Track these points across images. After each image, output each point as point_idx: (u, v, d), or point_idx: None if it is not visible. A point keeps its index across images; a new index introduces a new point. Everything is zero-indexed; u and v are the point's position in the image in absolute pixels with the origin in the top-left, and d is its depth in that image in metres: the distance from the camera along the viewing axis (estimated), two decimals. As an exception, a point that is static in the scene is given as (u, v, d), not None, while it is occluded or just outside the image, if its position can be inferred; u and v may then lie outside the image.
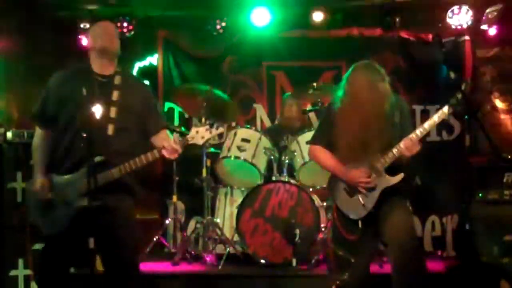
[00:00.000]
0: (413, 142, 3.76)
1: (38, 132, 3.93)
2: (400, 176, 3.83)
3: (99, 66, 3.89)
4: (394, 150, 3.80)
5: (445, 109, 3.74)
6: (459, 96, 3.71)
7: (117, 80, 3.90)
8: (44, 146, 3.89)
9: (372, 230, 3.93)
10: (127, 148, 3.87)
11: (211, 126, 3.82)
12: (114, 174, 3.81)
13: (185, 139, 3.83)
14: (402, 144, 3.77)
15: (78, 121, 3.74)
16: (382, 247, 5.49)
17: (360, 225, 3.88)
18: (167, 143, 3.79)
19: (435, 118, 3.77)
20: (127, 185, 3.95)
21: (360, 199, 3.86)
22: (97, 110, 3.72)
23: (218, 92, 5.88)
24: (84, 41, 6.50)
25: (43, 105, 3.90)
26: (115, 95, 3.87)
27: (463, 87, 3.71)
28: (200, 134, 3.82)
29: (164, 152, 3.80)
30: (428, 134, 6.59)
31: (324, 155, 4.02)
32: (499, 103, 6.56)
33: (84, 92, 3.69)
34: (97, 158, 3.72)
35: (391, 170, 3.84)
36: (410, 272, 3.79)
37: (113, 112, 3.84)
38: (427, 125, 3.79)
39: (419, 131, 3.78)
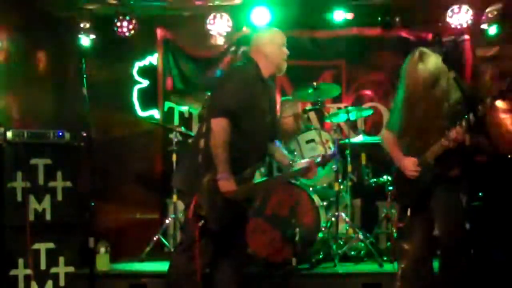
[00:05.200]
0: (457, 133, 3.88)
1: (226, 127, 3.78)
2: (447, 165, 4.00)
3: (267, 68, 4.06)
4: (441, 140, 3.95)
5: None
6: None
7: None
8: (229, 142, 3.79)
9: (421, 217, 4.10)
10: None
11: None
12: None
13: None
14: (448, 135, 3.91)
15: (261, 125, 3.97)
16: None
17: (408, 213, 4.07)
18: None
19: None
20: None
21: (411, 186, 4.07)
22: (270, 116, 4.08)
23: None
24: (84, 41, 6.51)
25: (237, 102, 3.82)
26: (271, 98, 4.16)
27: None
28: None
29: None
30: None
31: (388, 141, 4.24)
32: (499, 103, 6.55)
33: (265, 99, 4.00)
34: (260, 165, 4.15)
35: (445, 157, 3.99)
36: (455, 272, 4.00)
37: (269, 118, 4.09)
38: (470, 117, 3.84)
39: (462, 123, 3.87)
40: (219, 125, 3.77)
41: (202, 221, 3.78)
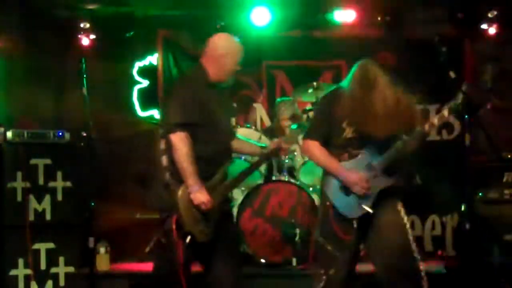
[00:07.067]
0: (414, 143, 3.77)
1: (185, 140, 3.76)
2: (396, 178, 3.82)
3: (216, 75, 3.98)
4: (393, 149, 3.77)
5: (445, 112, 3.73)
6: (458, 100, 3.72)
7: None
8: (192, 154, 3.77)
9: (364, 230, 3.87)
10: None
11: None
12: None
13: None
14: (403, 142, 3.75)
15: (218, 130, 3.93)
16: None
17: (355, 225, 3.84)
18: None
19: (435, 121, 3.76)
20: None
21: (357, 198, 3.81)
22: (226, 118, 4.09)
23: None
24: (84, 41, 6.51)
25: (189, 113, 3.81)
26: (224, 100, 4.14)
27: (464, 89, 3.72)
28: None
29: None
30: (428, 133, 6.67)
31: (321, 152, 3.90)
32: (499, 103, 6.56)
33: (217, 103, 3.95)
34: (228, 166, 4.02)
35: (389, 169, 3.82)
36: None
37: (231, 118, 4.08)
38: (427, 126, 3.77)
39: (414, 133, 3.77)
40: (178, 139, 3.76)
41: (189, 237, 3.76)
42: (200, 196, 3.76)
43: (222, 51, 4.00)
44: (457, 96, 3.72)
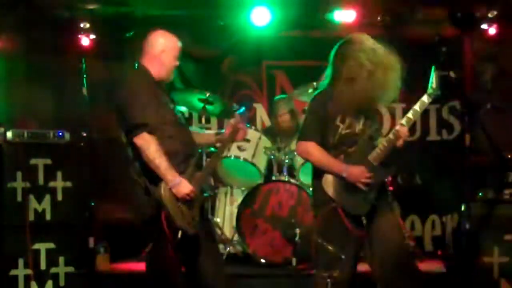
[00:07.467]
0: (404, 129, 3.80)
1: (150, 139, 3.75)
2: (394, 168, 3.86)
3: (159, 73, 4.00)
4: (387, 139, 3.79)
5: (424, 98, 3.85)
6: (433, 84, 3.81)
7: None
8: (162, 150, 3.76)
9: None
10: None
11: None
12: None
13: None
14: (394, 132, 3.77)
15: (178, 125, 3.95)
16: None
17: (364, 221, 3.80)
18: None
19: (417, 107, 3.85)
20: None
21: (362, 193, 3.79)
22: (178, 113, 4.06)
23: (215, 98, 5.88)
24: (84, 41, 6.51)
25: (147, 112, 3.81)
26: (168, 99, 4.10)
27: (435, 72, 3.77)
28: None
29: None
30: (428, 133, 6.68)
31: (320, 152, 3.83)
32: (499, 103, 6.55)
33: (166, 100, 3.99)
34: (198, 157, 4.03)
35: (385, 160, 3.84)
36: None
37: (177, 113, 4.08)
38: (410, 114, 3.83)
39: (404, 121, 3.83)
40: (142, 140, 3.75)
41: (180, 232, 3.76)
42: (183, 188, 3.75)
43: (160, 47, 4.01)
44: (431, 81, 3.87)
